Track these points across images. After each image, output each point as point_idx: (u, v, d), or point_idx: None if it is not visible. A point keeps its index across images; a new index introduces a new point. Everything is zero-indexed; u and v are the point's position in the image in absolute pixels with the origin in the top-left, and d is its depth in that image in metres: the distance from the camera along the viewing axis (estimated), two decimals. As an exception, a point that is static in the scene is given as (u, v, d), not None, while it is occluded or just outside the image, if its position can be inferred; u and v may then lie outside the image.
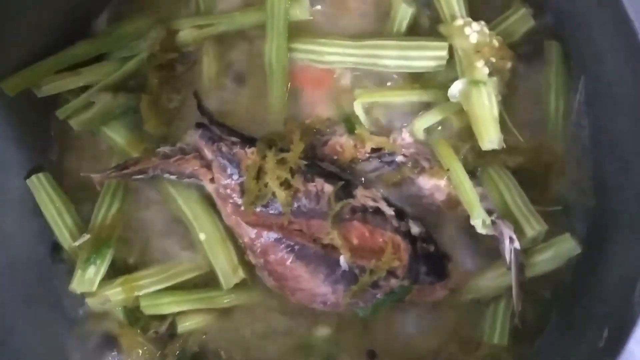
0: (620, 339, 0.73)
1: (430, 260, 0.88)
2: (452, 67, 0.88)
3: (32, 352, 0.89)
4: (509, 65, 0.88)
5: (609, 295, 0.82)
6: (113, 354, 0.95)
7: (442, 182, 0.88)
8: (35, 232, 0.95)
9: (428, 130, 0.90)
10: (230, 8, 0.95)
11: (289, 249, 0.87)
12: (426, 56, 0.88)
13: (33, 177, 0.94)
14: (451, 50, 0.88)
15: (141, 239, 0.96)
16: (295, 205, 0.87)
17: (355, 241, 0.86)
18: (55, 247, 0.96)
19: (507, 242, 0.84)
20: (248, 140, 0.90)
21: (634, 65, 0.76)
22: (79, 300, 0.94)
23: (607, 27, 0.80)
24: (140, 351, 0.94)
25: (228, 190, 0.89)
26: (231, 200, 0.89)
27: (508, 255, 0.84)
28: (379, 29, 0.93)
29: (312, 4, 0.93)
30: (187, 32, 0.94)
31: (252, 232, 0.88)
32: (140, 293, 0.92)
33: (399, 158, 0.89)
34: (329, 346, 0.93)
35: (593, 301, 0.86)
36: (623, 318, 0.74)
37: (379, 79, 0.93)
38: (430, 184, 0.89)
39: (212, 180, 0.90)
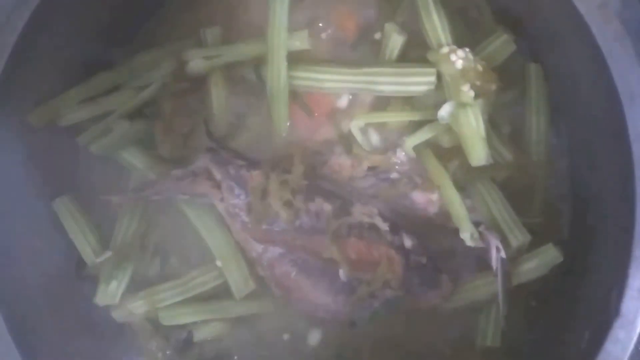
0: (599, 341, 0.79)
1: (423, 272, 0.92)
2: (441, 89, 0.92)
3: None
4: (493, 87, 0.91)
5: (589, 301, 0.87)
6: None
7: (435, 196, 0.93)
8: (63, 249, 1.00)
9: (420, 148, 0.94)
10: (235, 39, 1.00)
11: (293, 263, 0.93)
12: (417, 82, 0.93)
13: (58, 200, 0.99)
14: (439, 74, 0.92)
15: (160, 254, 1.01)
16: (298, 223, 0.92)
17: (353, 255, 0.91)
18: (80, 263, 1.00)
19: (494, 251, 0.90)
20: (253, 163, 0.95)
21: (605, 88, 0.81)
22: (104, 311, 0.99)
23: (581, 52, 0.85)
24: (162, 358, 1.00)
25: (236, 209, 0.94)
26: (239, 218, 0.94)
27: (495, 263, 0.90)
28: (372, 56, 0.98)
29: (310, 35, 0.97)
30: (196, 63, 0.98)
31: (259, 248, 0.94)
32: (161, 305, 0.97)
33: (394, 175, 0.94)
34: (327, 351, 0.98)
35: (576, 306, 0.90)
36: (601, 321, 0.80)
37: (374, 102, 0.97)
38: (424, 199, 0.94)
39: (221, 199, 0.95)
